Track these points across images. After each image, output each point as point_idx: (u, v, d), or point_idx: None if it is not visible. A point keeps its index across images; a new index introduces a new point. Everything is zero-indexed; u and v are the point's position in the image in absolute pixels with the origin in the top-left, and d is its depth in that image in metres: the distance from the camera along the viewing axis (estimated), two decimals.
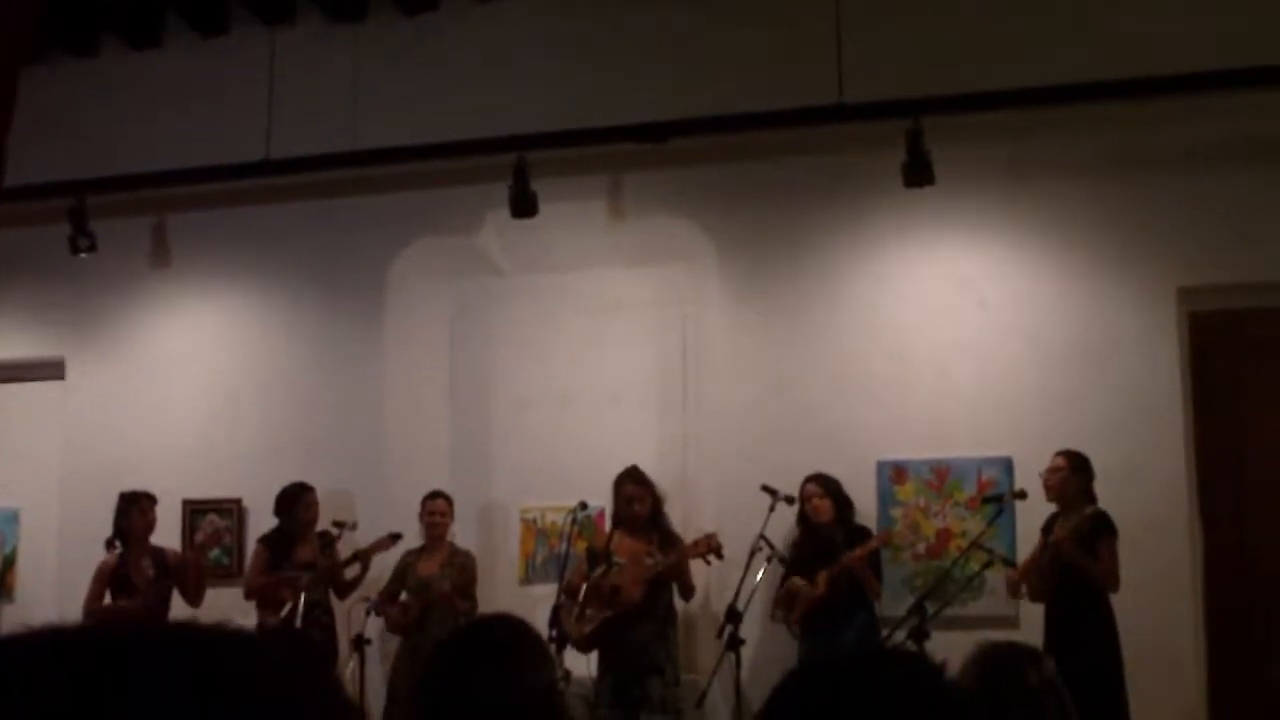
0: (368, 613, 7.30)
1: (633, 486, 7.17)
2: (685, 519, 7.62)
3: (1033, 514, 6.77)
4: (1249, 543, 7.18)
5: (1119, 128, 7.33)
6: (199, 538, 8.06)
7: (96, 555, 7.69)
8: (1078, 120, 7.37)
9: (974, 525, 7.05)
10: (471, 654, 2.54)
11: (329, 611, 7.56)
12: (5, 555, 9.08)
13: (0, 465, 9.02)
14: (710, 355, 7.97)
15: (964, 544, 6.97)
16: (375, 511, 7.95)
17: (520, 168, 7.66)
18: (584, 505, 7.28)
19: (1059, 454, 6.67)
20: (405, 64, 8.33)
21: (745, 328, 7.82)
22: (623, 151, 7.90)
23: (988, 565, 6.72)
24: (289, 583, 7.43)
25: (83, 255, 8.36)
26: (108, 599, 7.61)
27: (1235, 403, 7.31)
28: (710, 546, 6.93)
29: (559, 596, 7.13)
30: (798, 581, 7.02)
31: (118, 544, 7.64)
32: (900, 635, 6.19)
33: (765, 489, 6.92)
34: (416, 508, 7.70)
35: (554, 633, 6.77)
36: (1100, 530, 6.47)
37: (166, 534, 7.98)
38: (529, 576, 8.29)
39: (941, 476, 7.44)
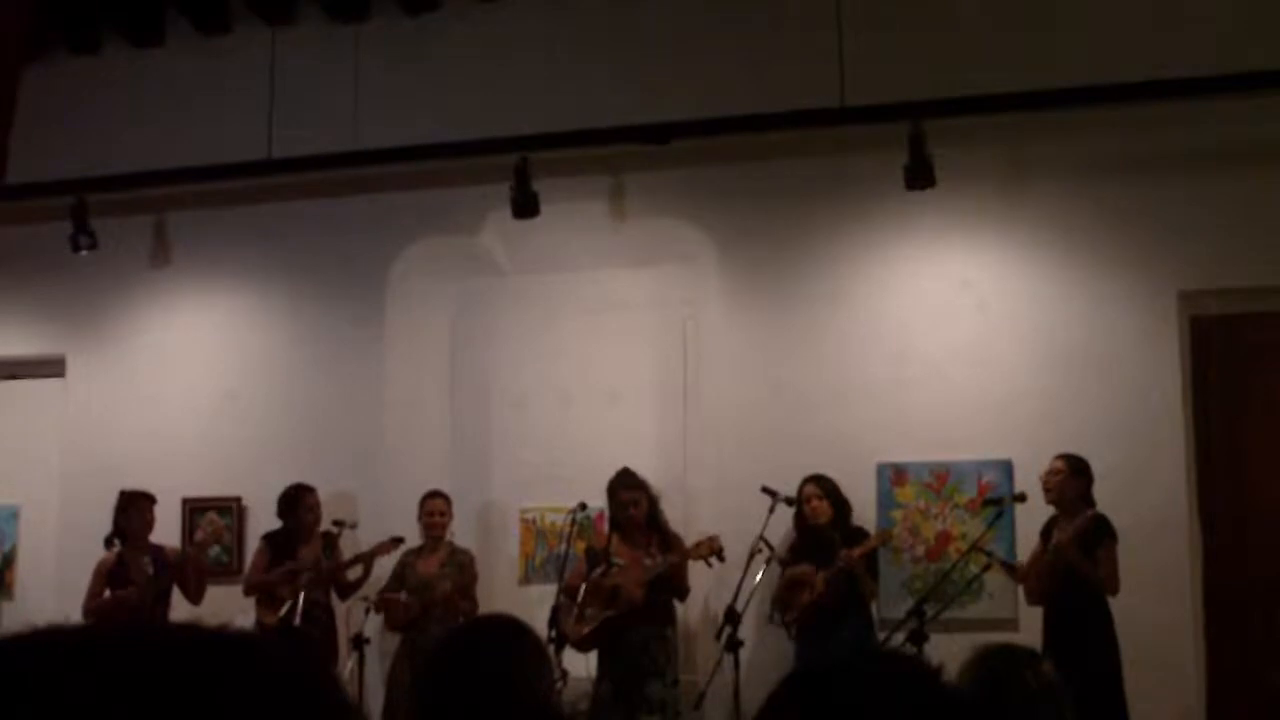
0: (367, 610, 7.30)
1: (626, 492, 7.16)
2: (685, 520, 7.61)
3: (1032, 517, 6.77)
4: (1248, 545, 7.18)
5: (1120, 131, 7.33)
6: (198, 536, 8.06)
7: (96, 553, 7.69)
8: (1079, 123, 7.37)
9: (974, 528, 7.04)
10: (469, 654, 2.55)
11: (328, 610, 7.57)
12: (5, 553, 9.07)
13: (0, 463, 9.01)
14: (710, 356, 7.97)
15: (964, 547, 6.97)
16: (375, 510, 7.95)
17: (522, 168, 7.67)
18: (583, 506, 7.27)
19: (1058, 457, 6.67)
20: (407, 64, 8.33)
21: (746, 329, 7.82)
22: (624, 152, 7.90)
23: (987, 568, 6.72)
24: (288, 581, 7.44)
25: (83, 253, 8.36)
26: (107, 595, 7.62)
27: (1235, 406, 7.31)
28: (712, 549, 6.93)
29: (558, 597, 7.13)
30: (802, 569, 7.00)
31: (117, 543, 7.64)
32: (899, 638, 6.19)
33: (765, 490, 6.92)
34: (415, 507, 7.69)
35: (553, 633, 6.76)
36: (1100, 534, 6.47)
37: (166, 532, 7.98)
38: (528, 577, 8.29)
39: (941, 479, 7.44)
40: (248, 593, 7.64)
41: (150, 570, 7.62)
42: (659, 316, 8.26)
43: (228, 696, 0.71)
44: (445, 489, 7.79)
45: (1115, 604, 6.42)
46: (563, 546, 7.33)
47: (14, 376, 9.15)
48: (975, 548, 6.67)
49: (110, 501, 7.73)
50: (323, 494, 7.78)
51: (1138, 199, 7.27)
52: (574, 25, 8.12)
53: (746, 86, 7.63)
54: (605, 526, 7.34)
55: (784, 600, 7.08)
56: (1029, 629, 6.58)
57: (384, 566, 7.69)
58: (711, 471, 7.82)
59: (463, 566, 7.56)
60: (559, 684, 5.09)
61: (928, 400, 7.45)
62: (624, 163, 8.01)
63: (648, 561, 7.04)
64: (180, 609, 7.59)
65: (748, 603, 6.55)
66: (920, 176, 7.07)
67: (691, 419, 8.11)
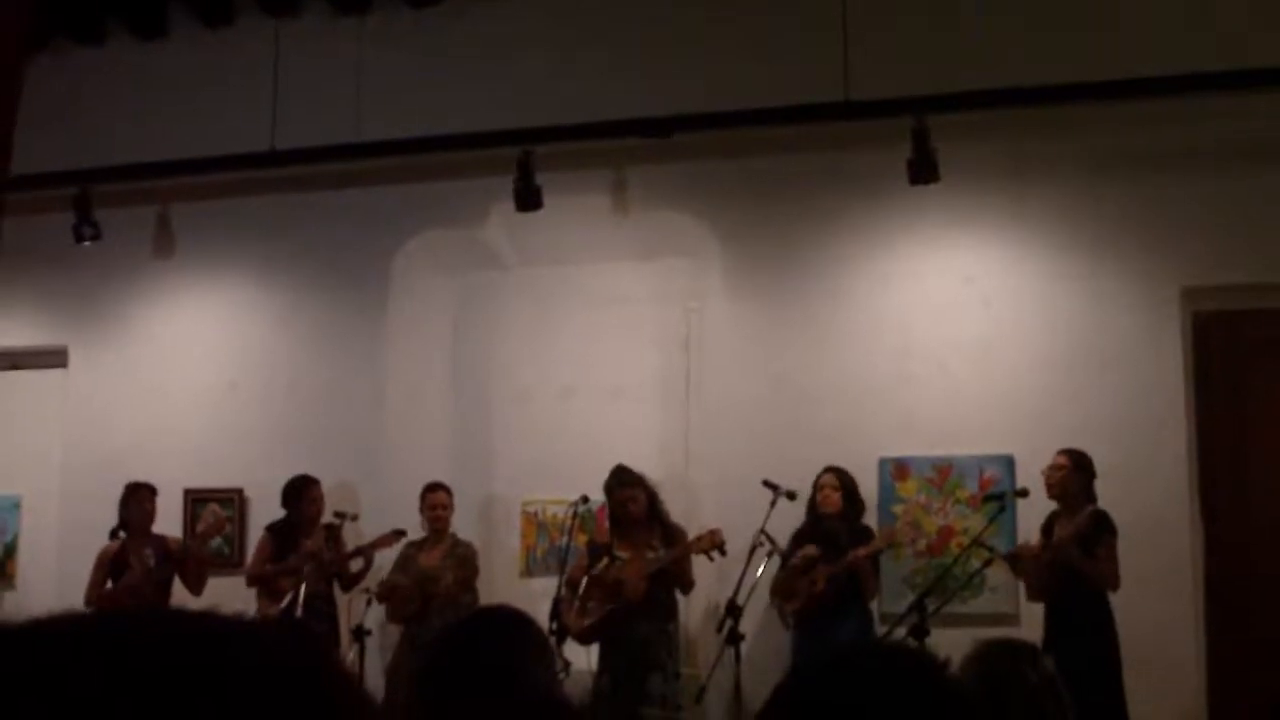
0: (368, 602, 7.30)
1: (622, 489, 7.16)
2: (686, 513, 7.61)
3: (1034, 512, 6.77)
4: (1249, 542, 7.18)
5: (1124, 127, 7.32)
6: (200, 526, 8.07)
7: (97, 543, 7.71)
8: (1083, 120, 7.37)
9: (975, 523, 7.04)
10: (472, 645, 2.55)
11: (330, 602, 7.58)
12: (6, 543, 9.08)
13: (2, 453, 9.02)
14: (713, 350, 7.97)
15: (965, 542, 6.97)
16: (377, 502, 7.96)
17: (525, 161, 7.66)
18: (585, 499, 7.28)
19: (1061, 452, 6.67)
20: (410, 56, 8.32)
21: (748, 323, 7.82)
22: (628, 146, 7.90)
23: (988, 563, 6.72)
24: (290, 572, 7.45)
25: (86, 244, 8.37)
26: (109, 587, 7.64)
27: (1238, 403, 7.30)
28: (714, 542, 6.93)
29: (559, 589, 7.13)
30: (806, 551, 6.98)
31: (122, 534, 7.68)
32: (900, 632, 6.19)
33: (766, 484, 6.92)
34: (417, 499, 7.70)
35: (554, 625, 6.77)
36: (1100, 530, 6.47)
37: (168, 523, 7.99)
38: (530, 569, 8.29)
39: (943, 474, 7.44)
40: (249, 584, 7.65)
41: (151, 561, 7.63)
42: (661, 310, 8.26)
43: (238, 684, 0.71)
44: (447, 481, 7.80)
45: (1116, 600, 6.42)
46: (564, 539, 7.34)
47: (16, 367, 9.16)
48: (976, 543, 6.67)
49: (112, 492, 7.76)
50: (325, 485, 7.79)
51: (1140, 195, 7.27)
52: (577, 18, 8.11)
53: (750, 80, 7.62)
54: (606, 520, 7.34)
55: (785, 589, 7.06)
56: (1030, 624, 6.58)
57: (386, 559, 7.70)
58: (713, 465, 7.83)
59: (464, 559, 7.56)
60: (562, 675, 5.10)
61: (930, 395, 7.45)
62: (627, 156, 8.00)
63: (650, 555, 7.04)
64: (181, 600, 7.60)
65: (749, 596, 6.55)
66: (924, 172, 7.07)
67: (693, 413, 8.11)
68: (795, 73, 7.53)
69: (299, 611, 7.17)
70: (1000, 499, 6.71)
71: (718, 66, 7.75)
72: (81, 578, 7.62)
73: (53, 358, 8.93)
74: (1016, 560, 6.78)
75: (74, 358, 8.86)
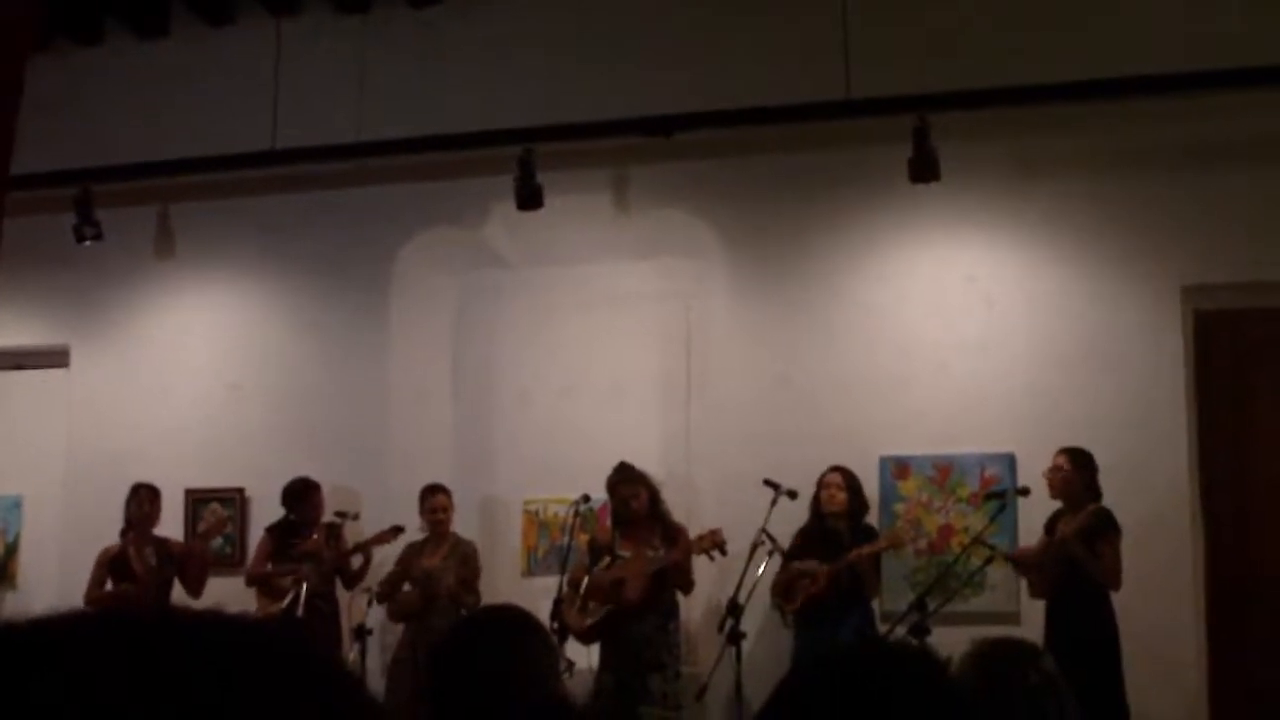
0: (369, 601, 7.31)
1: (625, 486, 7.16)
2: (687, 512, 7.61)
3: (1035, 510, 6.77)
4: (1251, 542, 7.18)
5: (1125, 125, 7.32)
6: (201, 526, 8.07)
7: (99, 543, 7.72)
8: (1084, 118, 7.37)
9: (976, 521, 7.05)
10: (475, 644, 2.55)
11: (332, 601, 7.58)
12: (8, 543, 9.09)
13: (4, 452, 9.02)
14: (714, 349, 7.97)
15: (966, 540, 6.97)
16: (378, 502, 7.96)
17: (526, 160, 7.66)
18: (586, 498, 7.28)
19: (1060, 452, 6.67)
20: (411, 56, 8.32)
21: (749, 322, 7.82)
22: (628, 145, 7.90)
23: (989, 561, 6.72)
24: (290, 572, 7.45)
25: (87, 244, 8.36)
26: (109, 587, 7.64)
27: (1239, 402, 7.30)
28: (715, 542, 6.92)
29: (561, 588, 7.14)
30: (801, 565, 6.99)
31: (131, 534, 7.72)
32: (901, 631, 6.20)
33: (767, 483, 6.92)
34: (417, 499, 7.69)
35: (555, 625, 6.78)
36: (1103, 528, 6.47)
37: (169, 523, 8.00)
38: (531, 569, 8.29)
39: (944, 472, 7.44)
40: (249, 584, 7.65)
41: (153, 561, 7.64)
42: (662, 309, 8.26)
43: (241, 684, 0.71)
44: (448, 481, 7.79)
45: (1117, 599, 6.43)
46: (565, 539, 7.35)
47: (18, 367, 9.16)
48: (977, 541, 6.67)
49: (113, 492, 7.78)
50: (325, 485, 7.79)
51: (1141, 194, 7.27)
52: (578, 17, 8.11)
53: (751, 79, 7.62)
54: (608, 519, 7.34)
55: (785, 589, 7.07)
56: (1031, 623, 6.59)
57: (387, 557, 7.70)
58: (714, 464, 7.83)
59: (466, 559, 7.56)
60: (565, 674, 5.10)
61: (930, 394, 7.45)
62: (628, 155, 8.00)
63: (650, 554, 7.05)
64: (181, 601, 7.60)
65: (750, 595, 6.55)
66: (925, 170, 7.07)
67: (694, 412, 8.11)
68: (796, 72, 7.54)
69: (300, 611, 7.18)
70: (1001, 497, 6.71)
71: (718, 65, 7.75)
72: (83, 578, 7.63)
73: (54, 357, 8.93)
74: (1017, 563, 6.79)
75: (75, 357, 8.87)
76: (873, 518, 7.29)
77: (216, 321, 8.64)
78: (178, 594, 7.69)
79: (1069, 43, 7.29)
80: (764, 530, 6.76)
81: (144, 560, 7.65)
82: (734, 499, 7.36)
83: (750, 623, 6.74)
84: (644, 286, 8.26)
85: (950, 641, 3.61)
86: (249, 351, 8.55)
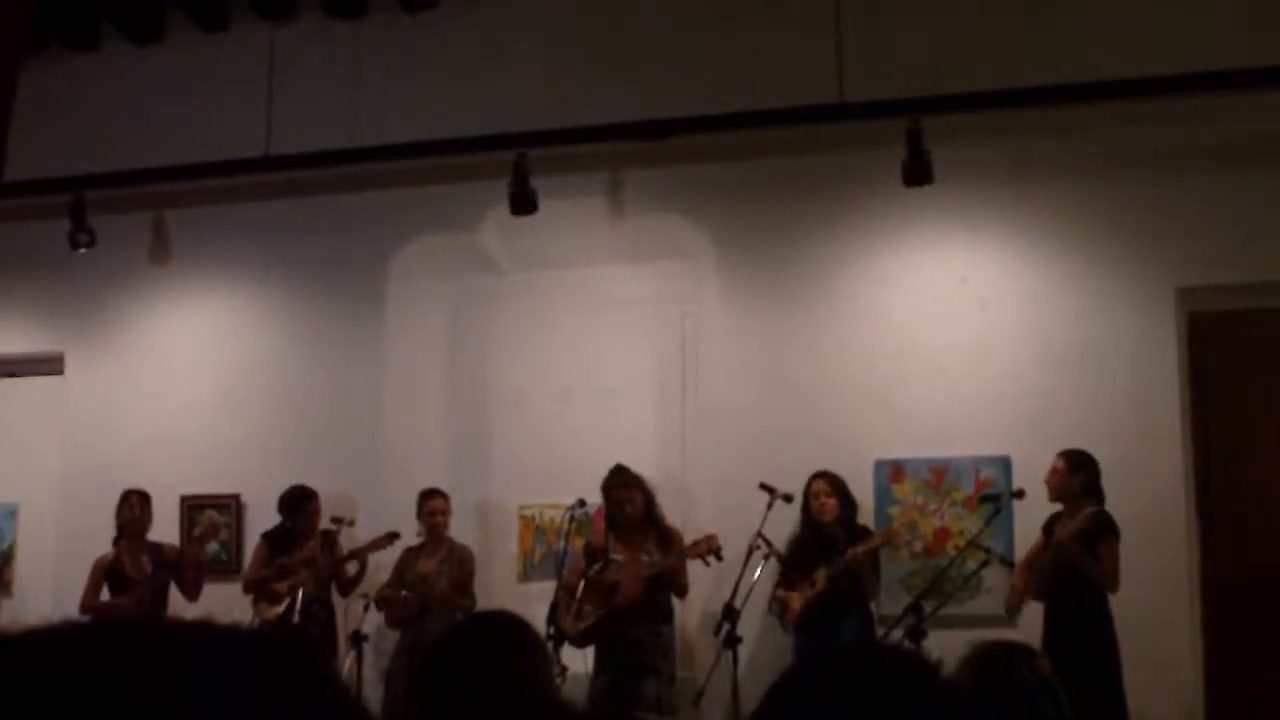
0: (366, 607, 7.31)
1: (620, 490, 7.16)
2: (683, 516, 7.62)
3: (1031, 513, 6.78)
4: (1247, 542, 7.18)
5: (1119, 128, 7.33)
6: (197, 532, 8.06)
7: (94, 550, 7.71)
8: (1077, 120, 7.38)
9: (972, 524, 7.05)
10: (469, 650, 2.55)
11: (328, 608, 7.57)
12: (3, 550, 9.08)
13: None
14: (709, 353, 7.98)
15: (961, 543, 6.97)
16: (374, 507, 7.95)
17: (520, 165, 7.66)
18: (582, 503, 7.28)
19: (1059, 455, 6.67)
20: (406, 60, 8.32)
21: (744, 326, 7.82)
22: (623, 149, 7.90)
23: (985, 564, 6.72)
24: (287, 578, 7.45)
25: (82, 250, 8.36)
26: (105, 594, 7.63)
27: (1234, 403, 7.31)
28: (710, 548, 6.92)
29: (557, 593, 7.13)
30: (791, 595, 7.02)
31: (124, 541, 7.71)
32: (897, 634, 6.20)
33: (763, 487, 6.92)
34: (414, 504, 7.69)
35: (551, 629, 6.77)
36: (1101, 530, 6.47)
37: (164, 530, 7.99)
38: (527, 574, 8.29)
39: (939, 475, 7.44)
40: (246, 591, 7.64)
41: (148, 568, 7.63)
42: (657, 313, 8.27)
43: (231, 695, 0.71)
44: (444, 486, 7.79)
45: (1113, 600, 6.43)
46: (561, 543, 7.35)
47: (13, 374, 9.15)
48: (973, 544, 6.67)
49: (109, 499, 7.77)
50: (321, 490, 7.78)
51: (1136, 195, 7.28)
52: (572, 22, 8.12)
53: (745, 82, 7.63)
54: (603, 523, 7.34)
55: (784, 603, 7.07)
56: (1027, 625, 6.58)
57: (383, 564, 7.70)
58: (710, 468, 7.83)
59: (460, 562, 7.56)
60: (559, 680, 5.10)
61: (926, 397, 7.45)
62: (622, 159, 8.01)
63: (644, 558, 7.04)
64: (176, 606, 7.60)
65: (746, 599, 6.55)
66: (918, 173, 7.07)
67: (690, 416, 8.11)
68: (789, 75, 7.54)
69: (296, 617, 7.17)
70: (996, 500, 6.71)
71: (712, 69, 7.76)
72: (79, 585, 7.62)
73: (49, 364, 8.92)
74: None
75: (70, 364, 8.85)
76: (868, 522, 7.29)
77: (211, 327, 8.63)
78: (175, 599, 7.68)
79: (1062, 45, 7.29)
80: (760, 534, 6.75)
81: (139, 566, 7.64)
82: (730, 503, 7.36)
83: (747, 627, 6.74)
84: (639, 290, 8.26)
85: (946, 644, 3.61)
86: (244, 357, 8.54)
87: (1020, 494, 6.70)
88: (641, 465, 7.39)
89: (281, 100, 8.30)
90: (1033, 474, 6.75)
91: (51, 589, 8.38)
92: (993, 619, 6.93)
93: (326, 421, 8.27)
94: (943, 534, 7.39)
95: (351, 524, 7.78)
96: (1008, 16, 7.45)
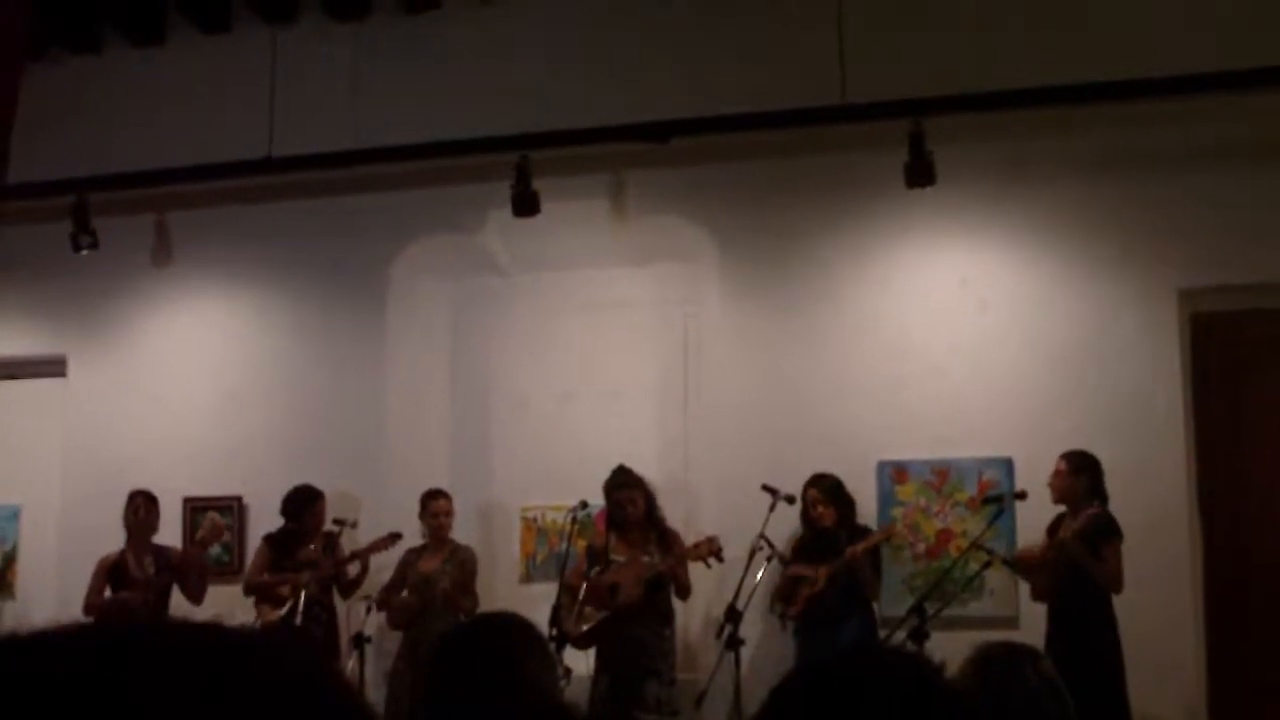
0: (368, 609, 7.31)
1: (622, 490, 7.16)
2: (685, 518, 7.62)
3: (1033, 515, 6.77)
4: (1249, 543, 7.18)
5: (1120, 129, 7.33)
6: (199, 535, 8.06)
7: (96, 552, 7.72)
8: (1079, 121, 7.37)
9: (974, 526, 7.04)
10: (475, 651, 2.55)
11: (329, 609, 7.57)
12: (6, 552, 9.08)
13: (1, 462, 9.01)
14: (711, 354, 7.98)
15: (964, 544, 6.97)
16: (376, 509, 7.95)
17: (523, 167, 7.66)
18: (584, 504, 7.28)
19: (1061, 456, 6.67)
20: (408, 62, 8.33)
21: (746, 327, 7.82)
22: (625, 151, 7.90)
23: (988, 565, 6.72)
24: (288, 580, 7.45)
25: (84, 253, 8.35)
26: (108, 595, 7.64)
27: (1236, 404, 7.30)
28: (711, 549, 6.92)
29: (559, 595, 7.13)
30: (800, 569, 7.00)
31: (129, 542, 7.72)
32: (900, 635, 6.19)
33: (765, 488, 6.92)
34: (417, 506, 7.69)
35: (554, 631, 6.77)
36: (1104, 532, 6.47)
37: (167, 531, 7.99)
38: (529, 575, 8.29)
39: (942, 477, 7.44)
40: (248, 593, 7.64)
41: (151, 570, 7.63)
42: (659, 315, 8.27)
43: (235, 697, 0.71)
44: (446, 487, 7.80)
45: (1116, 600, 6.43)
46: (563, 545, 7.34)
47: (15, 376, 9.15)
48: (976, 545, 6.67)
49: (111, 501, 7.77)
50: (324, 493, 7.78)
51: (1137, 196, 7.27)
52: (574, 23, 8.12)
53: (747, 84, 7.63)
54: (605, 525, 7.34)
55: (785, 594, 7.07)
56: (1030, 627, 6.58)
57: (385, 564, 7.70)
58: (712, 470, 7.83)
59: (462, 563, 7.56)
60: (563, 681, 5.10)
61: (928, 398, 7.45)
62: (624, 161, 8.01)
63: (645, 559, 7.04)
64: (179, 608, 7.60)
65: (748, 601, 6.55)
66: (920, 174, 7.07)
67: (692, 417, 8.11)
68: (792, 77, 7.54)
69: (299, 619, 7.17)
70: (999, 501, 6.70)
71: (714, 71, 7.76)
72: (81, 587, 7.63)
73: (51, 367, 8.92)
74: (1017, 565, 6.78)
75: (73, 366, 8.86)
76: (870, 523, 7.29)
77: (214, 329, 8.64)
78: (178, 602, 7.68)
79: (1064, 46, 7.29)
80: (762, 535, 6.76)
81: (142, 568, 7.64)
82: (732, 504, 7.37)
83: (749, 629, 6.74)
84: (641, 292, 8.27)
85: (949, 646, 3.61)
86: (246, 359, 8.55)
87: (1022, 495, 6.70)
88: (644, 466, 7.39)
89: (283, 102, 8.31)
90: (1035, 475, 6.75)
91: (53, 591, 8.39)
92: (996, 620, 6.93)
93: (329, 423, 8.27)
94: (945, 535, 7.39)
95: (354, 525, 7.78)
96: (1009, 17, 7.45)
